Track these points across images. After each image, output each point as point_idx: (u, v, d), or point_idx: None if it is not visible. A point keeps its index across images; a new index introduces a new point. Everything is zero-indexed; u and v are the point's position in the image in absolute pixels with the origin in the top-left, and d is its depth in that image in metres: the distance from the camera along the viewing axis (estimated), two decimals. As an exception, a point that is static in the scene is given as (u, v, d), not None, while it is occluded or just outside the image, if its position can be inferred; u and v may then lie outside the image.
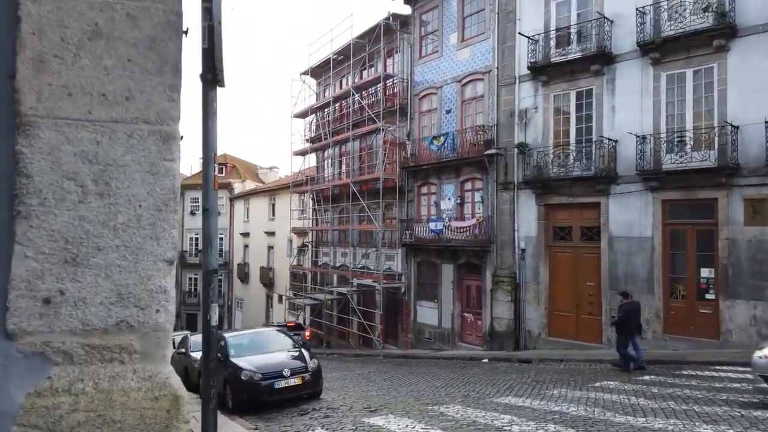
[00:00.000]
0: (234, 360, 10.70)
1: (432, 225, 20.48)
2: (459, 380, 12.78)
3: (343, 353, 23.43)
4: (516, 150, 18.10)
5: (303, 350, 11.64)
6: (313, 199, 28.74)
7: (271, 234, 36.07)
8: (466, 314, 20.09)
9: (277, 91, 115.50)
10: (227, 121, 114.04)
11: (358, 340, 24.62)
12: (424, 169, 21.48)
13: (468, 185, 20.19)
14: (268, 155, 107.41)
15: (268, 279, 35.75)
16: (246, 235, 40.85)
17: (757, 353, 7.96)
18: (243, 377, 10.20)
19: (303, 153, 29.52)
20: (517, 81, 18.45)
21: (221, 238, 44.73)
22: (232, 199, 43.88)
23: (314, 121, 29.22)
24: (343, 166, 27.47)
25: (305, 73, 29.72)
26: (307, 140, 29.50)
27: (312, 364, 10.87)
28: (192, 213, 45.76)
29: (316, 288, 28.68)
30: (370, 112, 23.33)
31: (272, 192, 36.50)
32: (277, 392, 10.18)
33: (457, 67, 20.72)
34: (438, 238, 20.36)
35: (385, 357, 20.57)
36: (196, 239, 45.66)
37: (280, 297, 33.85)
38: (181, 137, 2.22)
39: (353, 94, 24.85)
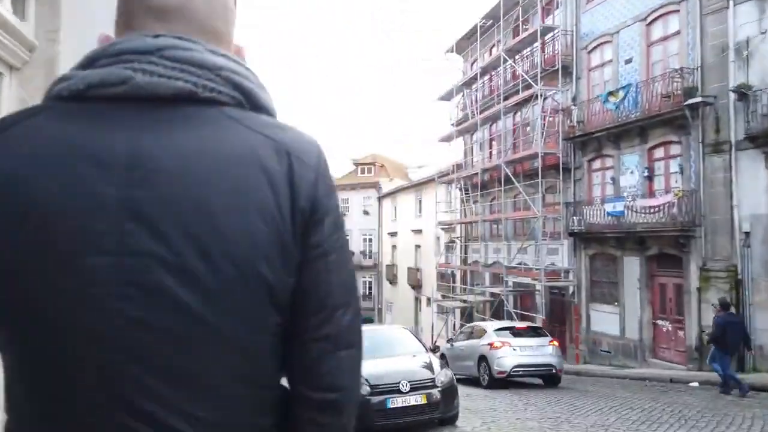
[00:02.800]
0: None
1: (609, 207, 16.01)
2: (666, 413, 8.59)
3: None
4: (733, 96, 13.06)
5: (432, 357, 8.47)
6: (460, 189, 25.51)
7: (418, 232, 33.53)
8: (660, 322, 15.22)
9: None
10: (378, 121, 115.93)
11: (516, 350, 20.68)
12: (595, 138, 17.07)
13: (659, 152, 15.41)
14: (419, 155, 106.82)
15: (415, 280, 33.21)
16: (394, 234, 38.92)
17: None
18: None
19: (448, 139, 26.49)
20: (731, 4, 13.40)
21: (370, 239, 43.53)
22: (381, 198, 42.39)
23: (461, 101, 26.04)
24: (494, 148, 23.84)
25: (450, 50, 26.76)
26: (452, 125, 26.42)
27: (443, 376, 7.65)
28: (343, 214, 45.25)
29: (465, 289, 25.32)
30: (525, 76, 19.49)
31: (418, 187, 33.99)
32: (391, 413, 7.13)
33: (639, 2, 16.09)
34: (618, 223, 15.84)
35: (550, 372, 16.50)
36: (347, 240, 44.98)
37: (428, 300, 31.06)
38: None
39: (504, 60, 21.19)
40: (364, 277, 43.61)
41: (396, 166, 47.22)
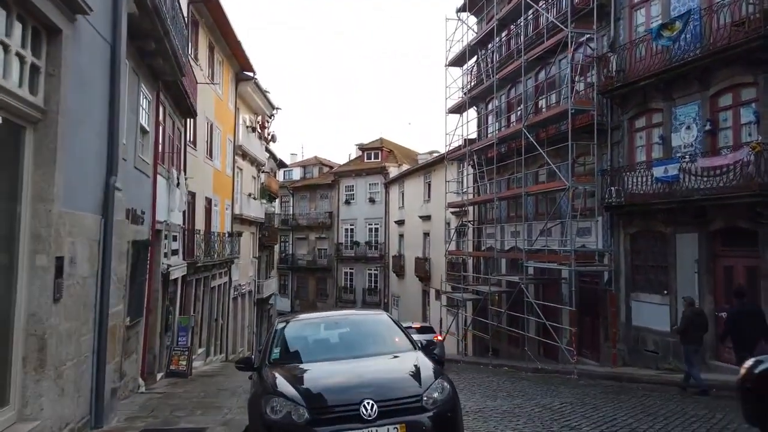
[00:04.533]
0: (272, 371, 5.07)
1: (659, 171, 12.78)
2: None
3: (517, 366, 16.60)
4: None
5: (422, 359, 5.38)
6: (473, 166, 22.35)
7: (427, 218, 30.44)
8: (726, 314, 11.96)
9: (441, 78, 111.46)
10: (387, 106, 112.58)
11: (538, 348, 17.57)
12: (639, 90, 13.85)
13: (725, 99, 12.16)
14: (430, 142, 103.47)
15: (423, 271, 30.14)
16: (401, 223, 35.86)
17: None
18: (268, 411, 4.34)
19: (459, 108, 23.30)
20: None
21: (376, 229, 40.51)
22: (387, 185, 39.33)
23: (474, 63, 22.85)
24: (513, 115, 20.63)
25: (461, 9, 23.57)
26: (464, 93, 23.24)
27: (437, 390, 4.59)
28: (347, 202, 42.33)
29: (479, 278, 22.19)
30: (553, 19, 16.27)
31: (427, 169, 30.88)
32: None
33: None
34: (669, 191, 12.63)
35: (582, 376, 13.37)
36: (352, 230, 42.07)
37: (437, 292, 27.95)
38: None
39: (527, 7, 17.99)
40: (370, 270, 40.62)
41: (404, 152, 44.13)
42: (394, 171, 39.52)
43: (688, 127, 12.74)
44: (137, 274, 10.20)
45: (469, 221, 23.46)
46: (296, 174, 49.31)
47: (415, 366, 4.96)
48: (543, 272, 17.79)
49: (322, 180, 45.56)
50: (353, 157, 47.16)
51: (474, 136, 23.46)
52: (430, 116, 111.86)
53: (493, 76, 20.23)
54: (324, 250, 44.14)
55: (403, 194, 36.10)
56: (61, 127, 5.61)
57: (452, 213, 25.15)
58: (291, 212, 46.03)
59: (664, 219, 13.19)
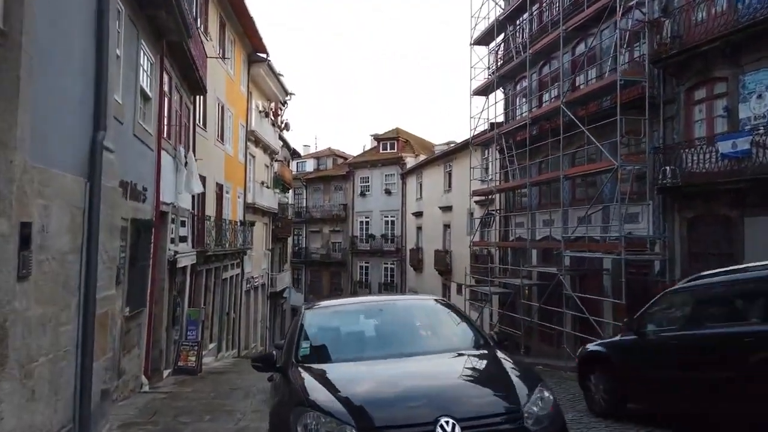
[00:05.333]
0: (302, 372, 3.80)
1: (725, 146, 11.29)
2: None
3: (553, 365, 15.19)
4: None
5: (504, 357, 3.96)
6: (500, 150, 20.91)
7: (448, 209, 29.02)
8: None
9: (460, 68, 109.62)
10: (402, 97, 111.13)
11: (575, 345, 16.09)
12: (699, 56, 12.33)
13: (807, 61, 10.64)
14: (446, 133, 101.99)
15: (444, 264, 28.75)
16: (419, 215, 34.47)
17: None
18: (300, 430, 3.01)
19: (486, 90, 21.85)
20: None
21: (392, 221, 39.18)
22: (404, 176, 37.95)
23: (502, 40, 21.38)
24: (546, 96, 19.16)
25: (488, -16, 22.08)
26: (491, 73, 21.78)
27: (537, 404, 3.21)
28: (362, 194, 41.01)
29: (506, 271, 20.78)
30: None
31: (448, 157, 29.44)
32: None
33: None
34: (737, 169, 11.14)
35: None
36: (367, 223, 40.75)
37: (459, 286, 26.54)
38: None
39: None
40: (386, 264, 39.31)
41: (421, 142, 42.70)
42: (410, 161, 38.14)
43: (760, 96, 11.22)
44: (138, 258, 8.96)
45: (496, 210, 22.02)
46: (310, 165, 48.09)
47: (499, 368, 3.61)
48: (581, 263, 16.35)
49: (337, 171, 44.29)
50: (368, 148, 45.84)
51: (500, 119, 22.00)
52: (446, 106, 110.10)
53: (523, 53, 18.77)
54: (338, 243, 42.89)
55: (421, 185, 34.71)
56: (27, 53, 4.33)
57: (476, 202, 23.73)
58: (304, 205, 44.83)
59: (730, 201, 11.70)
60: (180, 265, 13.12)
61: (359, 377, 3.58)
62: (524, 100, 20.49)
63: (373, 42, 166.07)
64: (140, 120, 9.09)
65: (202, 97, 16.28)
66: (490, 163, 22.76)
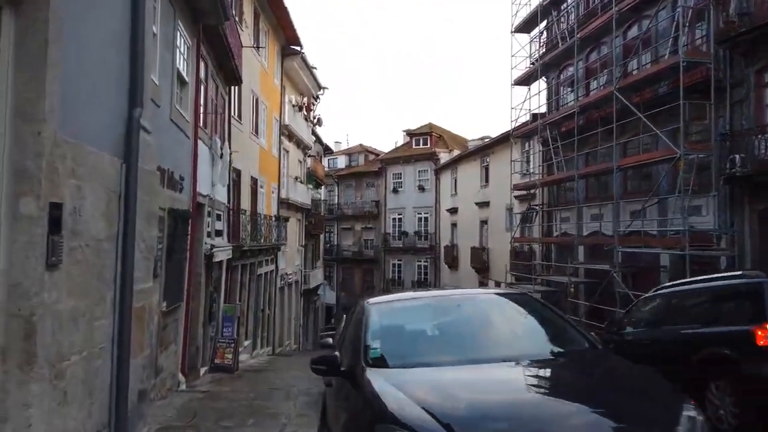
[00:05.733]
0: (378, 378, 3.05)
1: (805, 129, 10.26)
2: None
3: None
4: None
5: (629, 364, 3.26)
6: (543, 142, 20.01)
7: (484, 205, 28.16)
8: None
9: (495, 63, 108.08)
10: (433, 91, 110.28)
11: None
12: (773, 33, 11.30)
13: None
14: (479, 128, 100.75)
15: (481, 262, 27.92)
16: (453, 211, 33.67)
17: None
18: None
19: (528, 79, 20.97)
20: None
21: (426, 218, 38.45)
22: (438, 171, 37.17)
23: (545, 27, 20.45)
24: (594, 83, 18.17)
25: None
26: (534, 61, 20.88)
27: (687, 425, 2.50)
28: (394, 191, 40.38)
29: (550, 268, 19.88)
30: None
31: (485, 152, 28.56)
32: None
33: None
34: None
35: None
36: (399, 220, 40.12)
37: (498, 284, 25.68)
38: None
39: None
40: (419, 261, 38.61)
41: (454, 138, 41.84)
42: (444, 157, 37.34)
43: None
44: (175, 250, 8.50)
45: (538, 205, 21.11)
46: (341, 162, 47.69)
47: (631, 377, 2.91)
48: (634, 259, 15.38)
49: (368, 168, 43.75)
50: (399, 144, 45.18)
51: (542, 110, 21.09)
52: (478, 102, 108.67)
53: (569, 38, 17.84)
54: (370, 240, 42.36)
55: (455, 180, 33.89)
56: (56, 14, 3.83)
57: (516, 197, 22.85)
58: (336, 201, 44.44)
59: (809, 190, 10.67)
60: (216, 259, 12.71)
61: (456, 385, 2.91)
62: (569, 89, 19.54)
63: (401, 37, 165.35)
64: (177, 104, 8.64)
65: (237, 88, 15.89)
66: (531, 156, 21.85)
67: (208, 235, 12.35)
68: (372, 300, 4.38)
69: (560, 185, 19.62)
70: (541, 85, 20.96)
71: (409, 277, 38.82)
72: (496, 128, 77.14)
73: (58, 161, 3.85)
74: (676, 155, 12.56)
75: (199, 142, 10.76)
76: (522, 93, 21.18)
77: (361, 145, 48.71)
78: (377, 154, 45.86)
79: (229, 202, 14.99)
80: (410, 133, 42.11)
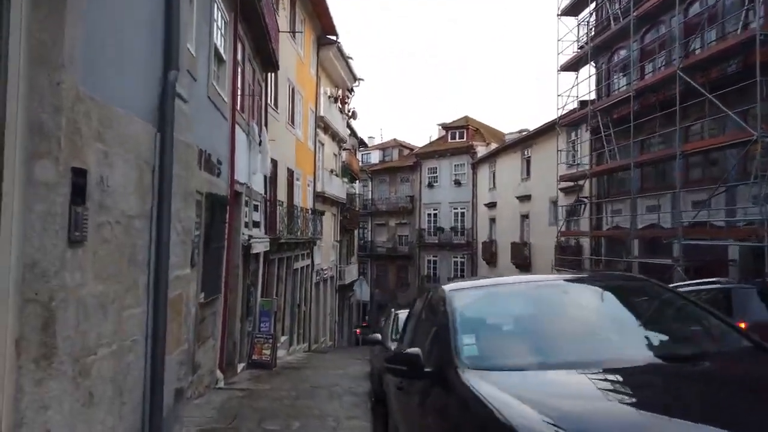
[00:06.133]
0: (485, 384, 2.30)
1: None
2: None
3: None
4: None
5: None
6: (593, 130, 18.93)
7: (526, 198, 27.11)
8: None
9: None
10: (467, 85, 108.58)
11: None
12: None
13: None
14: (516, 122, 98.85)
15: (522, 258, 26.88)
16: (492, 206, 32.65)
17: None
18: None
19: (575, 64, 19.90)
20: None
21: (462, 213, 37.51)
22: (475, 165, 36.18)
23: (594, 7, 19.34)
24: (649, 66, 17.01)
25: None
26: (581, 46, 19.79)
27: None
28: (429, 185, 39.56)
29: (600, 262, 18.80)
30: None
31: (526, 143, 27.47)
32: None
33: None
34: None
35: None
36: (435, 215, 39.28)
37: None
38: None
39: None
40: (455, 257, 37.71)
41: (490, 131, 40.72)
42: (481, 150, 36.30)
43: None
44: (212, 238, 7.96)
45: (585, 197, 20.02)
46: (375, 157, 47.09)
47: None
48: (695, 253, 14.24)
49: (403, 162, 43.02)
50: (434, 138, 44.27)
51: (589, 97, 19.97)
52: (513, 95, 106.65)
53: (622, 19, 16.72)
54: (405, 236, 41.63)
55: (494, 174, 32.85)
56: (78, -60, 3.24)
57: (561, 190, 21.78)
58: (369, 197, 43.84)
59: None
60: (254, 251, 12.20)
61: (590, 397, 2.22)
62: (621, 73, 18.39)
63: (428, 32, 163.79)
64: (214, 82, 8.09)
65: (273, 76, 15.37)
66: (578, 146, 20.75)
67: (246, 225, 11.84)
68: (452, 286, 3.63)
69: (612, 175, 18.50)
70: (590, 70, 19.84)
71: (445, 273, 37.95)
72: (533, 121, 75.09)
73: (82, 120, 3.24)
74: (752, 137, 11.42)
75: (237, 127, 10.22)
76: (569, 80, 20.07)
77: (395, 139, 48.02)
78: (411, 149, 45.08)
79: (265, 192, 14.48)
80: (446, 127, 41.18)
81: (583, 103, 19.57)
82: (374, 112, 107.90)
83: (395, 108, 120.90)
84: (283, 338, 17.11)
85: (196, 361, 7.46)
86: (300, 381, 10.62)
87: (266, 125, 14.12)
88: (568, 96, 19.68)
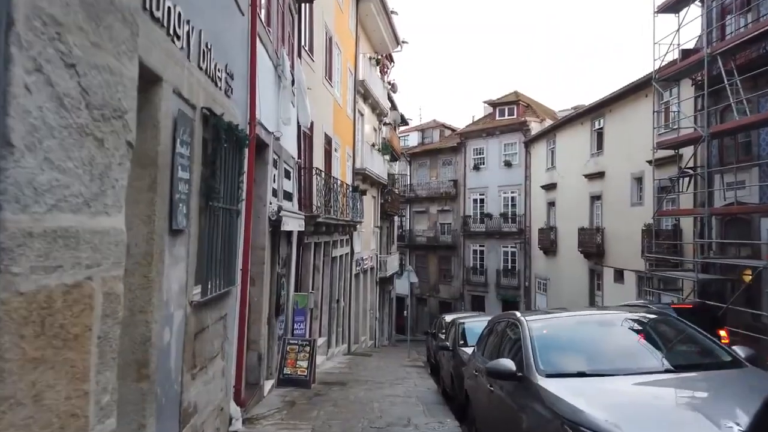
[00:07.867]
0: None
1: None
2: None
3: None
4: None
5: None
6: (699, 85, 15.09)
7: (597, 176, 23.27)
8: None
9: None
10: (512, 62, 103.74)
11: None
12: None
13: None
14: (565, 100, 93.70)
15: (593, 245, 23.08)
16: (550, 187, 28.86)
17: None
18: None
19: (675, 4, 16.05)
20: None
21: (512, 198, 33.81)
22: (528, 144, 32.39)
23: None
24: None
25: None
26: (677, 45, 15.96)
27: None
28: (475, 168, 35.92)
29: (710, 248, 15.01)
30: None
31: (599, 110, 23.56)
32: None
33: None
34: None
35: None
36: (481, 200, 35.68)
37: (620, 272, 20.97)
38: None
39: None
40: (505, 247, 34.06)
41: (544, 110, 36.75)
42: (535, 127, 32.47)
43: None
44: (217, 194, 4.68)
45: (689, 168, 16.20)
46: (413, 139, 43.61)
47: None
48: None
49: (445, 144, 39.40)
50: (478, 117, 40.49)
51: (692, 45, 16.12)
52: (562, 73, 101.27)
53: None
54: (447, 224, 38.08)
55: (553, 152, 29.00)
56: None
57: (648, 162, 17.98)
58: (408, 182, 40.40)
59: None
60: (286, 227, 8.96)
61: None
62: (738, 12, 14.49)
63: (463, 8, 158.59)
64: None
65: (308, 10, 12.15)
66: (678, 105, 16.87)
67: (274, 194, 8.62)
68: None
69: (733, 137, 14.65)
70: (693, 12, 15.96)
71: (494, 265, 34.38)
72: (587, 98, 69.70)
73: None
74: None
75: (259, 44, 6.98)
76: (666, 26, 16.28)
77: (435, 120, 44.43)
78: (453, 130, 41.42)
79: (300, 157, 11.29)
80: (493, 104, 37.36)
81: (685, 52, 15.75)
82: (411, 92, 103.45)
83: (434, 87, 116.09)
84: (321, 340, 13.96)
85: (187, 401, 4.25)
86: (353, 409, 7.40)
87: (299, 56, 10.90)
88: (671, 43, 15.84)
